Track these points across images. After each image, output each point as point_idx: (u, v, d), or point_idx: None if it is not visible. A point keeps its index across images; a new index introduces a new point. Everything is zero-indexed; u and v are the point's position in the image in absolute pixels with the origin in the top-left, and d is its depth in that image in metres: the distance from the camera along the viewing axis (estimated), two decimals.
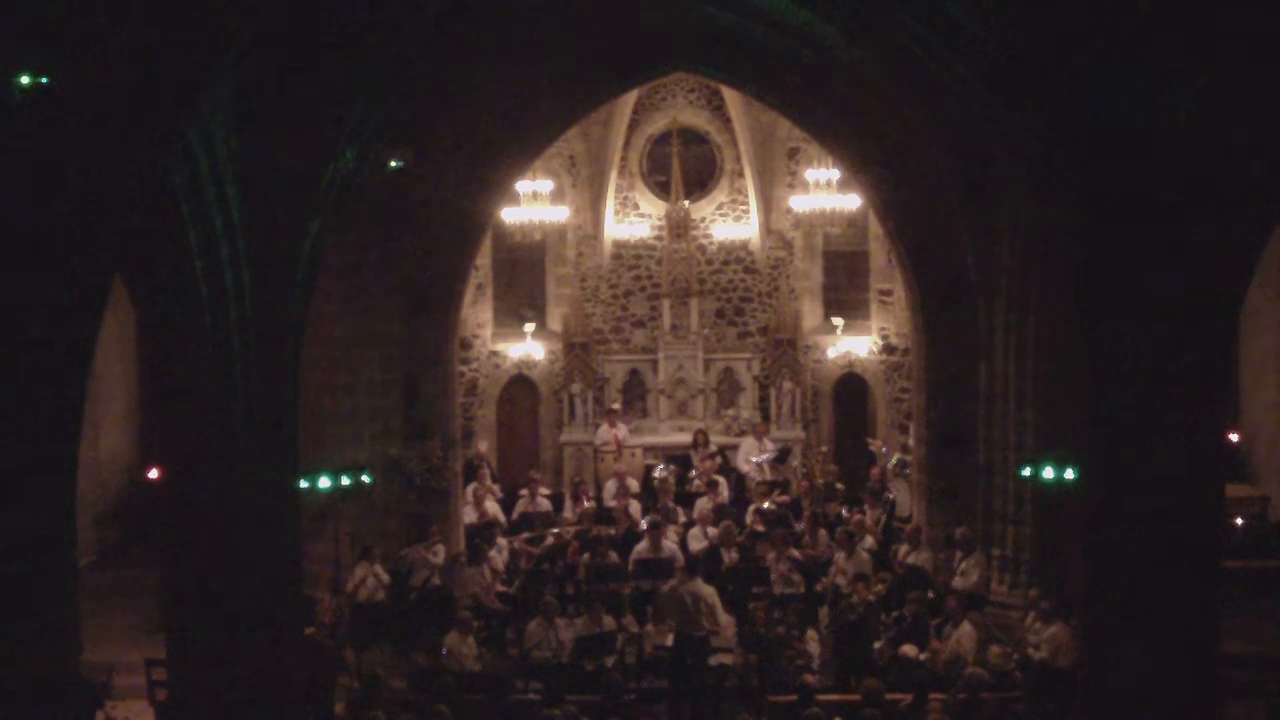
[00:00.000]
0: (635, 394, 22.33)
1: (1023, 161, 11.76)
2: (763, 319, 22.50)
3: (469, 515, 18.79)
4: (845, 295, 22.75)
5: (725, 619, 14.91)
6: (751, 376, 22.24)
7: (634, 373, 22.38)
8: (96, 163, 8.48)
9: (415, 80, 13.62)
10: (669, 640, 14.67)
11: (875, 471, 19.88)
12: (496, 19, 14.52)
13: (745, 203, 22.60)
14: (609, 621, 15.02)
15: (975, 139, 14.62)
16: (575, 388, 21.76)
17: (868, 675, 13.27)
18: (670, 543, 17.04)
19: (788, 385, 21.79)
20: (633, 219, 22.74)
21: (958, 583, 16.00)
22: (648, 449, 21.37)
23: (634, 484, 19.73)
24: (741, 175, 22.48)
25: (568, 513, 19.10)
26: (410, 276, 17.76)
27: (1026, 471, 15.57)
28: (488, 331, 22.58)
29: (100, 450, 19.38)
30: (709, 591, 14.74)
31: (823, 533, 17.61)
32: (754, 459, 20.38)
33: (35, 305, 8.42)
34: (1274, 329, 19.18)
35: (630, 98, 21.36)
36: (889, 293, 22.18)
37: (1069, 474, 14.09)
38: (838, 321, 22.37)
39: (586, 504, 19.09)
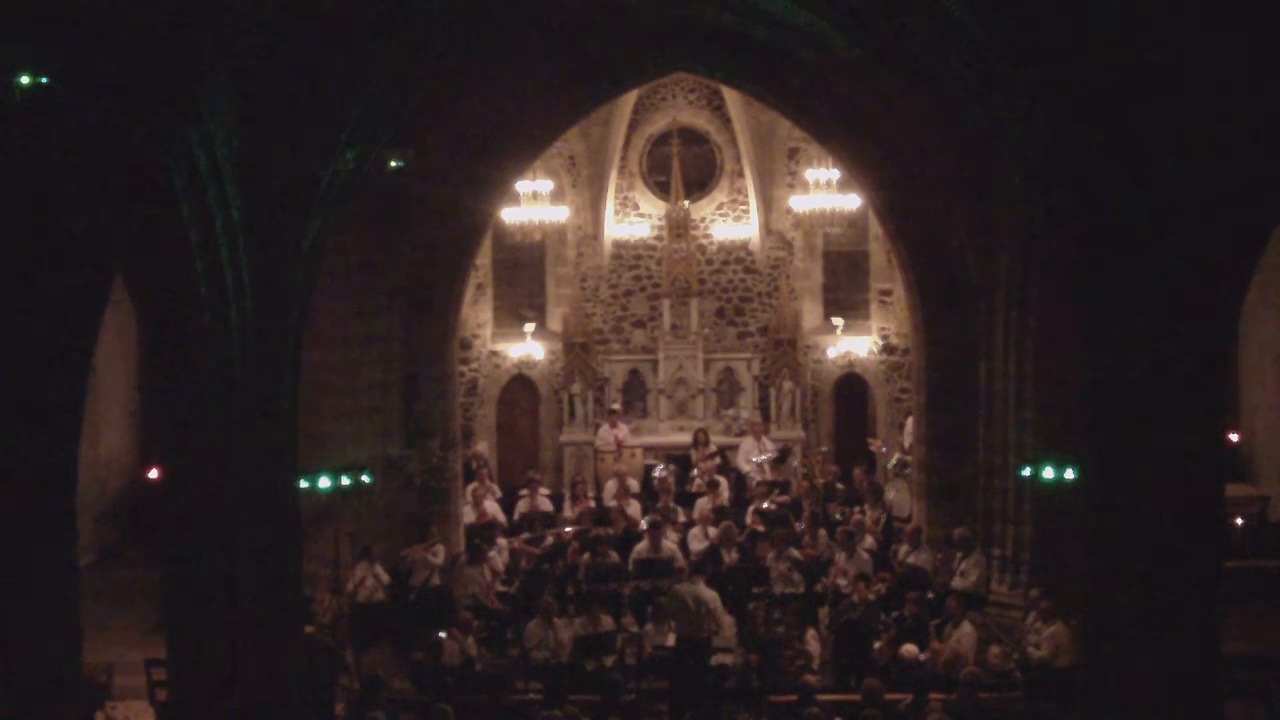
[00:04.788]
0: (635, 394, 22.31)
1: (1023, 161, 11.76)
2: (763, 319, 22.49)
3: (469, 515, 18.80)
4: (845, 295, 22.73)
5: (726, 620, 14.92)
6: (751, 376, 22.23)
7: (634, 373, 22.36)
8: (96, 163, 8.49)
9: (415, 80, 13.62)
10: (669, 640, 14.67)
11: (859, 473, 19.91)
12: (496, 19, 14.52)
13: (745, 203, 22.58)
14: (608, 621, 15.03)
15: (975, 139, 14.62)
16: (575, 388, 21.76)
17: (868, 675, 13.27)
18: (670, 543, 17.05)
19: (788, 385, 21.78)
20: (633, 219, 22.73)
21: (958, 583, 16.00)
22: (648, 449, 21.36)
23: (634, 484, 19.72)
24: (741, 175, 22.47)
25: (567, 512, 19.10)
26: (410, 276, 17.76)
27: (1026, 471, 15.57)
28: (488, 331, 22.57)
29: (100, 450, 19.37)
30: (711, 595, 14.74)
31: (823, 533, 17.61)
32: (754, 459, 20.38)
33: (35, 305, 8.43)
34: (1274, 329, 19.17)
35: (630, 98, 21.34)
36: (889, 293, 22.17)
37: (1069, 474, 14.07)
38: (838, 321, 22.35)
39: (586, 503, 19.09)
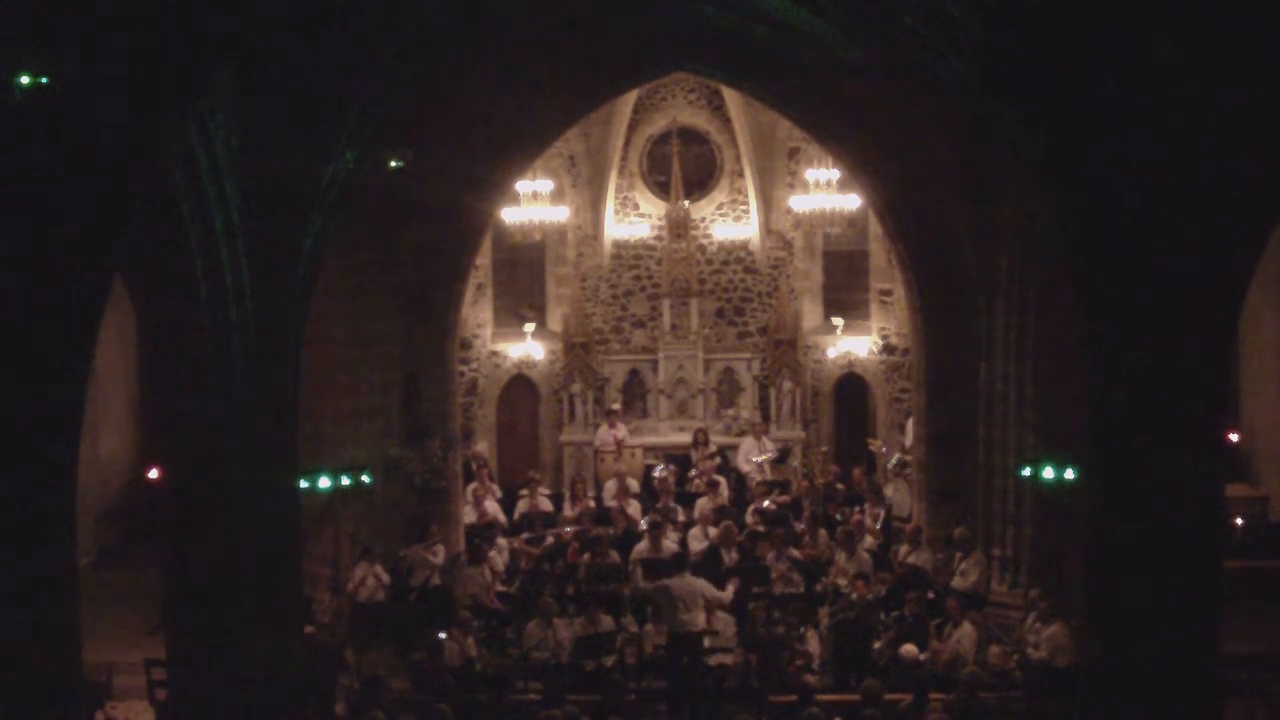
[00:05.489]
0: (635, 394, 22.31)
1: (1023, 161, 11.76)
2: (763, 319, 22.49)
3: (469, 515, 18.80)
4: (845, 295, 22.73)
5: (726, 598, 14.96)
6: (751, 376, 22.23)
7: (634, 373, 22.36)
8: (96, 163, 8.48)
9: (415, 80, 13.62)
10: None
11: (858, 473, 19.91)
12: (496, 18, 14.52)
13: (745, 203, 22.58)
14: (608, 621, 15.03)
15: (975, 139, 14.62)
16: (575, 388, 21.75)
17: (868, 675, 13.27)
18: (670, 543, 17.05)
19: (788, 385, 21.78)
20: (633, 219, 22.73)
21: (958, 583, 15.99)
22: (648, 449, 21.36)
23: (634, 484, 19.73)
24: (741, 175, 22.47)
25: (567, 512, 19.09)
26: (410, 276, 17.76)
27: (1026, 471, 15.57)
28: (488, 331, 22.57)
29: (100, 450, 19.36)
30: (701, 583, 14.80)
31: (823, 533, 17.61)
32: (754, 459, 20.38)
33: (35, 305, 8.43)
34: (1274, 329, 19.17)
35: (630, 98, 21.34)
36: (889, 293, 22.18)
37: (1069, 474, 14.08)
38: (838, 321, 22.35)
39: (586, 503, 19.09)
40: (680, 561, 15.73)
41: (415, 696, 13.40)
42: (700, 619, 14.55)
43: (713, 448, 20.71)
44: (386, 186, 15.79)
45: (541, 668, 14.31)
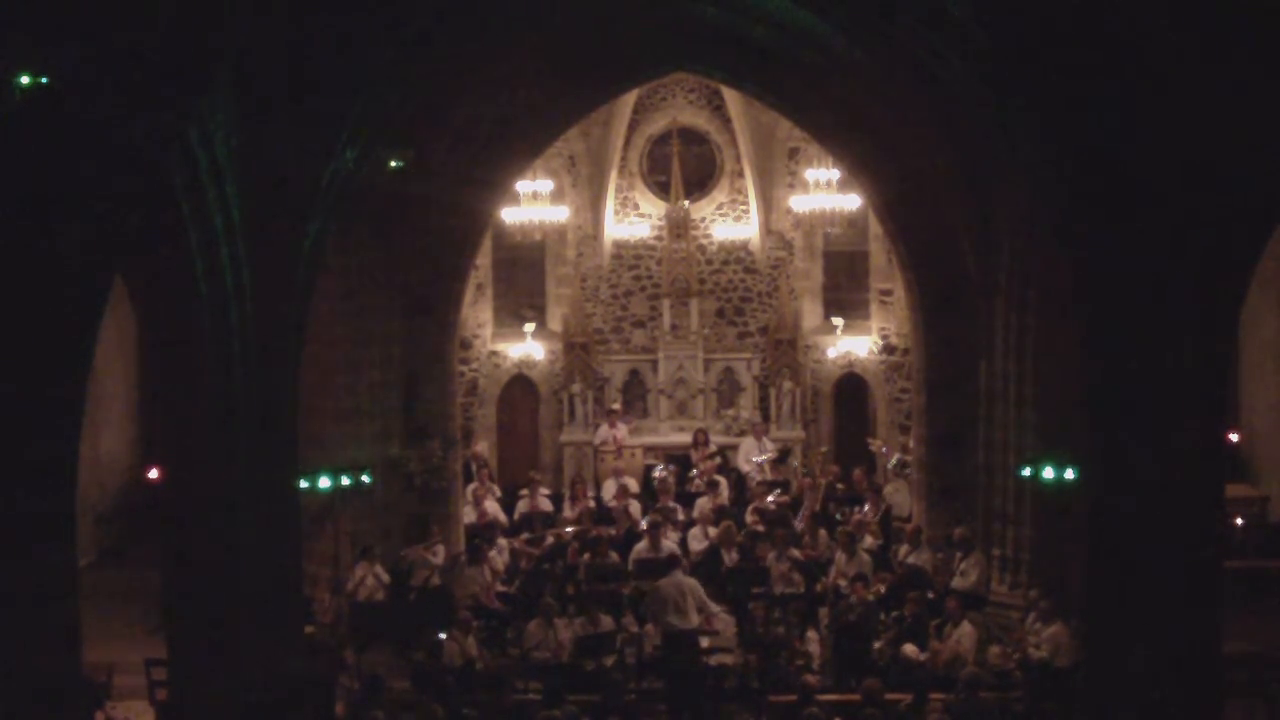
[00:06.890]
0: (635, 394, 22.31)
1: (1023, 161, 11.77)
2: (763, 319, 22.49)
3: (469, 515, 18.80)
4: (845, 295, 22.72)
5: (715, 608, 14.93)
6: (751, 376, 22.22)
7: (634, 373, 22.36)
8: (96, 163, 8.49)
9: (415, 80, 13.62)
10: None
11: (858, 473, 19.90)
12: (496, 19, 14.52)
13: (745, 203, 22.58)
14: (608, 621, 15.03)
15: (975, 139, 14.62)
16: (575, 388, 21.75)
17: (868, 675, 13.27)
18: (670, 543, 17.04)
19: (788, 385, 21.77)
20: (633, 219, 22.73)
21: (958, 583, 15.99)
22: (648, 449, 21.35)
23: (634, 484, 19.72)
24: (741, 175, 22.46)
25: (567, 512, 19.10)
26: (410, 276, 17.76)
27: (1026, 471, 15.56)
28: (488, 331, 22.57)
29: (100, 450, 19.37)
30: (692, 582, 14.79)
31: (823, 533, 17.61)
32: (754, 459, 20.38)
33: (35, 305, 8.43)
34: (1274, 329, 19.17)
35: (630, 98, 21.34)
36: (889, 293, 22.17)
37: (1069, 474, 14.08)
38: (838, 321, 22.35)
39: (586, 503, 19.08)
40: (672, 561, 15.75)
41: (415, 696, 13.40)
42: (692, 619, 14.54)
43: (713, 448, 20.71)
44: (386, 186, 15.80)
45: (541, 668, 14.31)
